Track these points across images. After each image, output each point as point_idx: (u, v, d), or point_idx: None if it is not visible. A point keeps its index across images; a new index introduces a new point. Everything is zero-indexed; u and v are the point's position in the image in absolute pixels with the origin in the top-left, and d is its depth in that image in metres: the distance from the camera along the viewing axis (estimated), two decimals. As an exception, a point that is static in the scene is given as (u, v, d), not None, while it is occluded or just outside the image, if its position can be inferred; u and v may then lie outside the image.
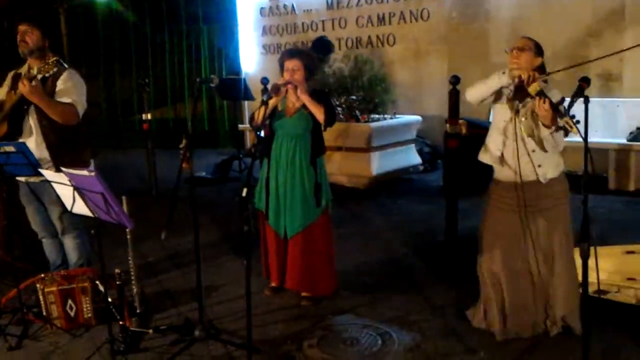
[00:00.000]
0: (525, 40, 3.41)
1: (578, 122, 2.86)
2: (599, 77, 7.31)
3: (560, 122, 2.95)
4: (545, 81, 3.32)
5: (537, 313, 3.52)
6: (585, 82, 2.88)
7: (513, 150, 3.37)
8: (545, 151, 3.33)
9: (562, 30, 7.62)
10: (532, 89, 3.16)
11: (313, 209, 4.06)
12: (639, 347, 3.39)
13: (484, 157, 3.57)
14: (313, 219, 4.07)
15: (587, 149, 2.74)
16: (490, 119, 3.64)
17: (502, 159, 3.44)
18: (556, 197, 3.42)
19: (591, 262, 2.76)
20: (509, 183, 3.43)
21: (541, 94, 3.11)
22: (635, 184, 6.80)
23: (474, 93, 3.48)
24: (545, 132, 3.23)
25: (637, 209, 6.21)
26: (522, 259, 3.48)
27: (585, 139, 2.75)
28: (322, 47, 6.99)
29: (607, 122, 7.18)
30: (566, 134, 3.13)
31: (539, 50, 3.38)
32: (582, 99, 2.78)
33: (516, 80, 3.29)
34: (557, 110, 3.00)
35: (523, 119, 3.34)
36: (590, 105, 2.79)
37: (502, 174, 3.48)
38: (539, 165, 3.37)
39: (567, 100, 2.92)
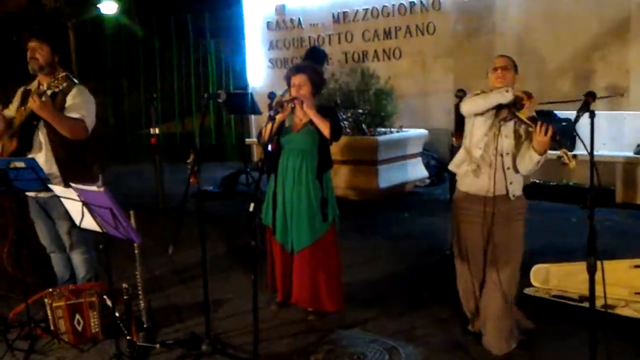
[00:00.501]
0: (506, 59, 3.50)
1: (575, 156, 2.98)
2: (605, 91, 7.30)
3: (560, 153, 3.01)
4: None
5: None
6: (590, 96, 2.90)
7: (491, 164, 3.42)
8: (517, 172, 3.44)
9: (567, 43, 7.63)
10: (523, 114, 3.26)
11: (320, 224, 4.07)
12: (647, 362, 3.37)
13: (454, 167, 3.62)
14: (320, 234, 4.08)
15: (593, 163, 2.75)
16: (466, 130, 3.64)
17: (477, 172, 3.47)
18: (518, 212, 3.52)
19: (598, 276, 2.76)
20: (479, 196, 3.48)
21: (534, 119, 3.19)
22: (642, 197, 6.78)
23: (472, 107, 3.49)
24: (535, 157, 3.28)
25: (645, 222, 6.19)
26: (486, 270, 3.55)
27: (591, 153, 2.76)
28: (315, 56, 7.02)
29: (614, 135, 7.16)
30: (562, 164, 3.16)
31: (516, 68, 3.49)
32: (587, 113, 2.81)
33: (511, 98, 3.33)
34: (555, 140, 3.04)
35: (505, 137, 3.40)
36: (596, 119, 2.82)
37: (474, 186, 3.50)
38: (511, 183, 3.45)
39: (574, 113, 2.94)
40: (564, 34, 7.64)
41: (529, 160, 3.31)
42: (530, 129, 3.25)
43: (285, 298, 4.28)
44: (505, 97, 3.32)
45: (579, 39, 7.61)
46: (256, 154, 10.81)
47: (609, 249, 4.88)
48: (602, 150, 6.99)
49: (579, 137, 3.07)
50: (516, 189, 3.47)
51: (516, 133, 3.42)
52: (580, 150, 3.05)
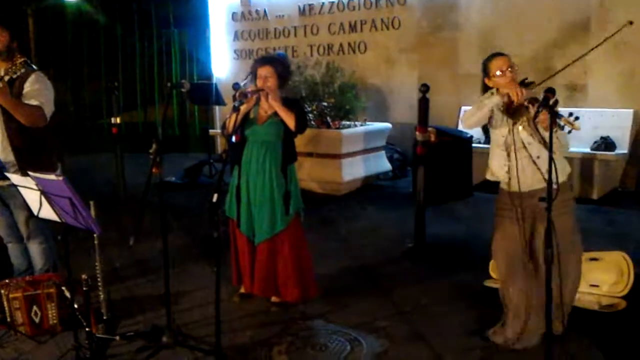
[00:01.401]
0: (505, 57, 3.46)
1: (577, 118, 2.97)
2: (565, 88, 7.47)
3: (561, 122, 3.00)
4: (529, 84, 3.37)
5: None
6: (550, 92, 2.96)
7: (519, 160, 3.38)
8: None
9: (529, 41, 7.77)
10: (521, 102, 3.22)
11: (282, 217, 4.07)
12: (601, 353, 3.47)
13: (490, 177, 3.58)
14: (281, 227, 4.08)
15: (551, 158, 2.81)
16: (488, 137, 3.64)
17: (509, 172, 3.43)
18: (563, 205, 3.33)
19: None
20: (516, 194, 3.43)
21: (533, 100, 3.15)
22: (598, 192, 6.95)
23: (472, 120, 3.50)
24: (546, 135, 3.21)
25: (601, 216, 6.35)
26: (525, 265, 3.49)
27: (550, 148, 2.82)
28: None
29: (572, 131, 7.31)
30: (569, 132, 3.15)
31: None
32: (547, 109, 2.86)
33: (505, 98, 3.33)
34: (554, 114, 3.00)
35: (520, 128, 3.37)
36: (555, 115, 2.87)
37: (510, 187, 3.45)
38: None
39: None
40: (526, 32, 7.77)
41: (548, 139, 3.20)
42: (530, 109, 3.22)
43: (250, 290, 4.27)
44: (492, 99, 3.35)
45: (540, 37, 7.75)
46: (220, 145, 10.73)
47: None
48: (561, 146, 7.15)
49: (539, 133, 3.13)
50: (558, 176, 3.16)
51: (529, 121, 3.32)
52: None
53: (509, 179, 3.44)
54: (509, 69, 3.39)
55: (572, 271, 3.48)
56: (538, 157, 3.35)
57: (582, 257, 3.55)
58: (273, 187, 4.04)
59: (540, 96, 3.05)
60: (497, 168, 3.50)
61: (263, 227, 4.06)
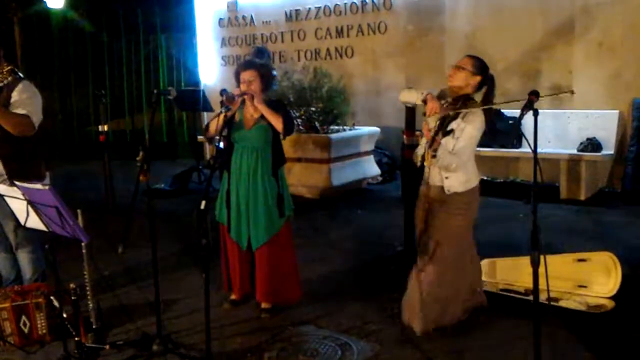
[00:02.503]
0: (467, 59, 3.63)
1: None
2: (551, 90, 7.53)
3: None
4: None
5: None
6: (534, 95, 2.98)
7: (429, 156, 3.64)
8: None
9: (514, 44, 7.84)
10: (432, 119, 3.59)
11: (277, 220, 4.08)
12: (589, 353, 3.49)
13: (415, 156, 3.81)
14: (277, 230, 4.09)
15: (536, 160, 2.83)
16: None
17: (422, 160, 3.67)
18: (457, 207, 3.62)
19: (542, 269, 2.84)
20: (425, 181, 3.76)
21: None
22: (585, 193, 7.01)
23: (404, 97, 3.81)
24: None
25: (588, 217, 6.40)
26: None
27: (535, 150, 2.84)
28: (260, 55, 7.30)
29: (558, 133, 7.39)
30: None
31: (478, 70, 3.59)
32: (532, 112, 2.89)
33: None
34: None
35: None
36: (541, 117, 2.91)
37: (424, 173, 3.75)
38: (446, 177, 3.59)
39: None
40: (511, 35, 7.84)
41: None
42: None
43: (241, 296, 4.27)
44: (413, 95, 3.70)
45: (525, 40, 7.81)
46: (208, 151, 10.72)
47: (554, 244, 5.04)
48: (547, 148, 7.21)
49: (524, 136, 3.16)
50: (452, 186, 3.59)
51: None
52: (526, 148, 3.16)
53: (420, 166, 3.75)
54: (453, 68, 3.63)
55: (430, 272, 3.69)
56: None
57: (442, 267, 3.72)
58: (267, 191, 4.04)
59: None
60: (419, 150, 3.76)
61: (260, 232, 4.06)
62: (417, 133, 5.27)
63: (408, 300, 3.80)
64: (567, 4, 7.55)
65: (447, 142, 3.51)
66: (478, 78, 3.57)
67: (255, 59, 5.23)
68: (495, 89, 3.65)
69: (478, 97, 3.63)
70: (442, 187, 3.61)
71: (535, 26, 7.71)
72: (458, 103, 3.56)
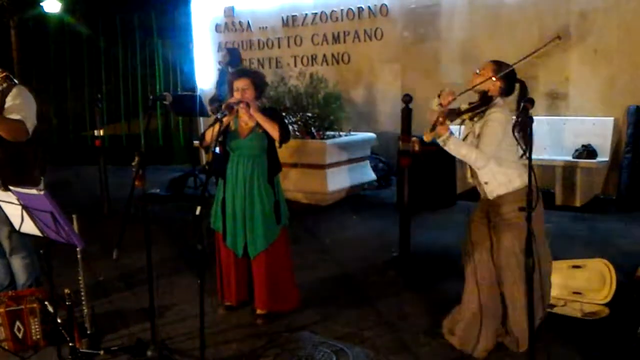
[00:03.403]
0: (487, 64, 3.57)
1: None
2: (547, 97, 7.56)
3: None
4: None
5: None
6: (529, 102, 2.99)
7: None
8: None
9: (509, 51, 7.82)
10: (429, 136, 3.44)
11: (274, 227, 4.08)
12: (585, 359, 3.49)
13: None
14: (274, 237, 4.09)
15: (531, 167, 2.85)
16: None
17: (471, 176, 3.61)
18: (512, 216, 3.35)
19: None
20: (480, 197, 3.60)
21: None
22: (581, 199, 7.02)
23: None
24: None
25: (583, 224, 6.41)
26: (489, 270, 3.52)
27: (530, 157, 2.85)
28: (232, 57, 7.42)
29: (554, 139, 7.41)
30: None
31: (498, 74, 3.49)
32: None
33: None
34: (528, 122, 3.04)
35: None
36: (537, 124, 2.92)
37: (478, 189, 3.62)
38: (485, 182, 3.46)
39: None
40: (507, 42, 7.86)
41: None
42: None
43: (236, 302, 4.27)
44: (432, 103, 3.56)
45: (520, 47, 7.82)
46: (204, 156, 10.71)
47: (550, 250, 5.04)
48: (543, 154, 7.23)
49: (520, 142, 3.17)
50: (495, 189, 3.41)
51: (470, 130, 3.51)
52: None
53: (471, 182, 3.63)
54: (475, 73, 3.58)
55: (509, 288, 3.53)
56: (479, 169, 3.48)
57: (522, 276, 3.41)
58: (263, 199, 4.04)
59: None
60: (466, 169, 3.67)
61: (258, 240, 4.05)
62: (414, 139, 5.29)
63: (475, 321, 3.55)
64: (563, 11, 7.58)
65: (472, 141, 3.46)
66: (498, 83, 3.47)
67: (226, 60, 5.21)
68: (528, 93, 3.54)
69: (508, 102, 3.56)
70: (489, 200, 3.46)
71: (531, 33, 7.74)
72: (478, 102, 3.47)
